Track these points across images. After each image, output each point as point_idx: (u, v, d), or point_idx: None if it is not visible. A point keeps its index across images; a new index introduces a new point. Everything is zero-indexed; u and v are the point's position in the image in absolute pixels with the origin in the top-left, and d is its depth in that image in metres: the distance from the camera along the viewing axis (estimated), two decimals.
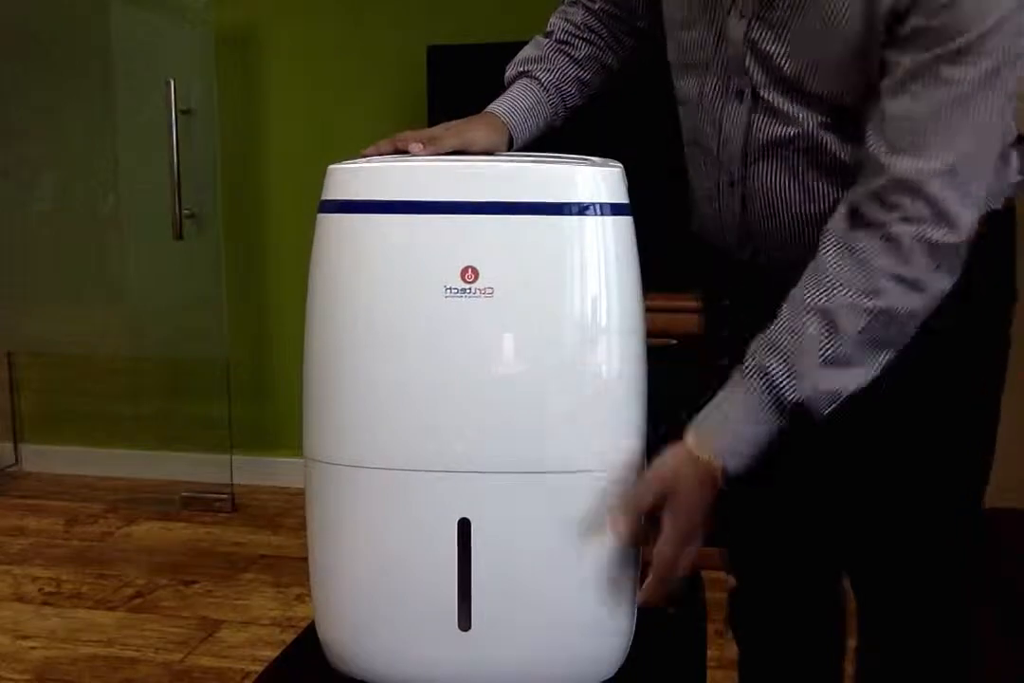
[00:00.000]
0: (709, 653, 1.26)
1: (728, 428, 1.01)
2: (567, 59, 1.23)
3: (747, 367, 1.01)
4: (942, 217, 0.94)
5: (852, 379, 0.99)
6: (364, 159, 1.07)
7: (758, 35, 1.03)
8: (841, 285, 0.97)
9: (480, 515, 1.01)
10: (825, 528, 1.28)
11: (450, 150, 1.09)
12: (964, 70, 0.90)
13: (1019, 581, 1.58)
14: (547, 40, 1.26)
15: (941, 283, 0.97)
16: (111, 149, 3.04)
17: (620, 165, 1.05)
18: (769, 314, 1.04)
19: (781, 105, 1.05)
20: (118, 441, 3.24)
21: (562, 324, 0.99)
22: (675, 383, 1.21)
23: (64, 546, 2.70)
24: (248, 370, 3.13)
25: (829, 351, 0.97)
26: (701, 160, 1.17)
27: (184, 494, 2.99)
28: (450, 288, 0.96)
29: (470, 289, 0.96)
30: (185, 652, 2.09)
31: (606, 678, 1.08)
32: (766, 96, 1.06)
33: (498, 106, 1.20)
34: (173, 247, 2.89)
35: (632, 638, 1.11)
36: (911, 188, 0.94)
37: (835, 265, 0.98)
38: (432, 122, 2.56)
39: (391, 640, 1.06)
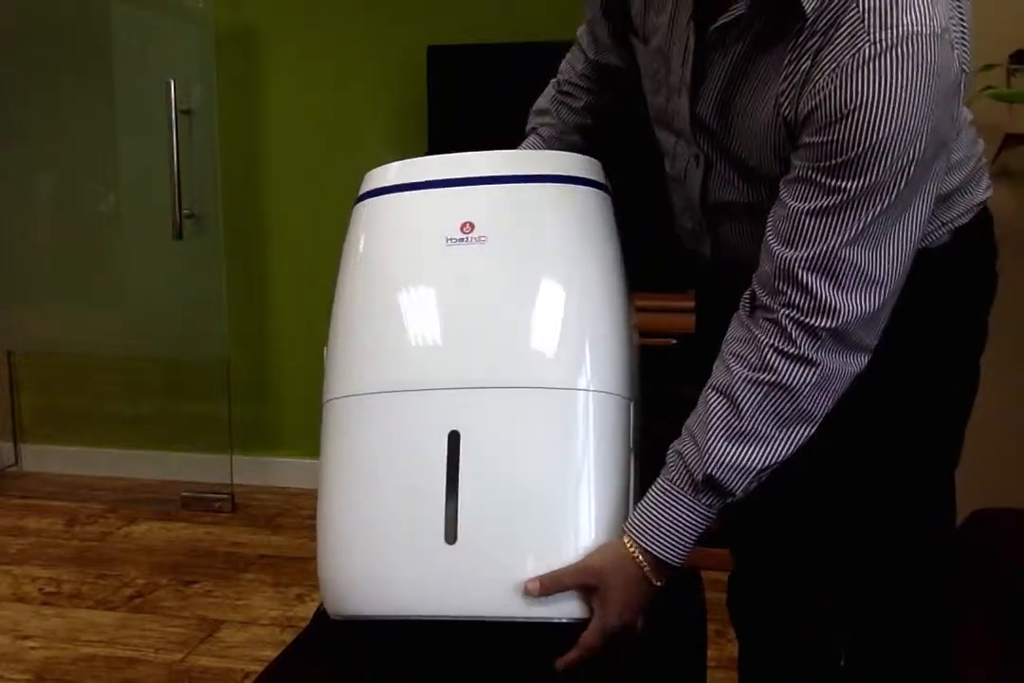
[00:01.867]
0: (709, 653, 1.27)
1: (654, 518, 1.03)
2: (568, 110, 1.36)
3: (668, 454, 1.06)
4: (817, 305, 0.98)
5: (763, 454, 1.01)
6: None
7: (702, 112, 1.09)
8: (737, 362, 1.02)
9: (470, 428, 1.06)
10: (808, 533, 1.29)
11: None
12: (842, 182, 0.95)
13: (1015, 582, 1.58)
14: (553, 91, 1.38)
15: (838, 360, 1.00)
16: (111, 149, 3.04)
17: (595, 160, 1.22)
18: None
19: (730, 177, 1.12)
20: (118, 441, 3.25)
21: (542, 263, 1.15)
22: (675, 383, 1.22)
23: (64, 546, 2.70)
24: (248, 370, 3.13)
25: (733, 426, 1.01)
26: (677, 202, 1.25)
27: (184, 494, 2.99)
28: (451, 238, 1.15)
29: (467, 238, 1.15)
30: (185, 652, 2.09)
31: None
32: (718, 166, 1.13)
33: None
34: (173, 247, 2.89)
35: None
36: (789, 276, 0.99)
37: (733, 343, 1.04)
38: (432, 121, 2.59)
39: (382, 564, 1.07)
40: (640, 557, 1.02)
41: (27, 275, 3.12)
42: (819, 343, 0.99)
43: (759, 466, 1.01)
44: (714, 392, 1.04)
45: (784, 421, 1.01)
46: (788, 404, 1.01)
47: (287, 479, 3.04)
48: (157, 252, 3.03)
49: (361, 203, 1.24)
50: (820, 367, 1.00)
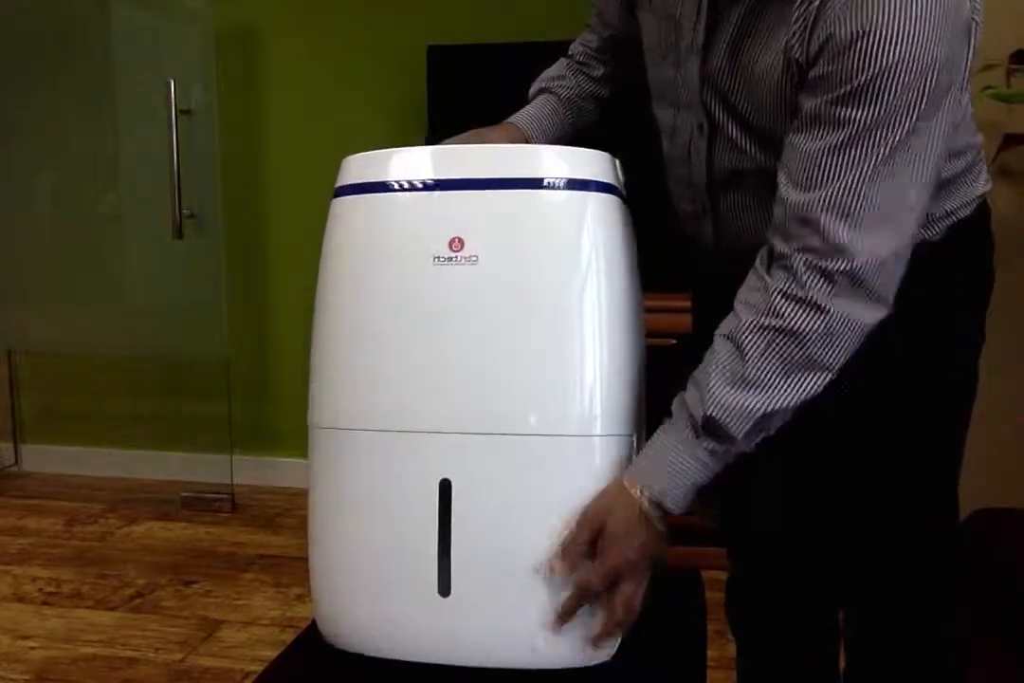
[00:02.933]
0: (709, 653, 1.27)
1: (654, 460, 1.02)
2: (585, 77, 1.32)
3: (673, 403, 1.05)
4: (833, 247, 0.96)
5: (765, 400, 0.99)
6: (373, 151, 1.13)
7: (713, 68, 1.07)
8: (746, 309, 1.01)
9: (461, 476, 1.02)
10: (809, 530, 1.28)
11: None
12: (853, 112, 0.93)
13: (1015, 581, 1.58)
14: (569, 60, 1.34)
15: (850, 308, 0.98)
16: (111, 149, 3.04)
17: (609, 155, 1.09)
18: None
19: (738, 140, 1.09)
20: (118, 441, 3.25)
21: (543, 290, 1.03)
22: (675, 383, 1.21)
23: (64, 546, 2.70)
24: (248, 370, 3.13)
25: (736, 371, 0.99)
26: (676, 186, 1.21)
27: (184, 494, 2.99)
28: (438, 257, 1.03)
29: (456, 257, 1.02)
30: (185, 652, 2.09)
31: (602, 660, 1.07)
32: (725, 130, 1.10)
33: (516, 116, 1.30)
34: (173, 247, 2.89)
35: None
36: (804, 219, 0.98)
37: (745, 292, 1.03)
38: (432, 121, 2.59)
39: (376, 608, 1.06)
40: (638, 493, 1.01)
41: (27, 275, 3.12)
42: (833, 288, 0.97)
43: (761, 411, 0.99)
44: (721, 338, 1.02)
45: (790, 368, 0.99)
46: (795, 351, 0.98)
47: (287, 479, 3.04)
48: (157, 252, 3.03)
49: (341, 200, 1.10)
50: (829, 315, 0.97)
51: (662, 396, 1.12)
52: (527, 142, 1.27)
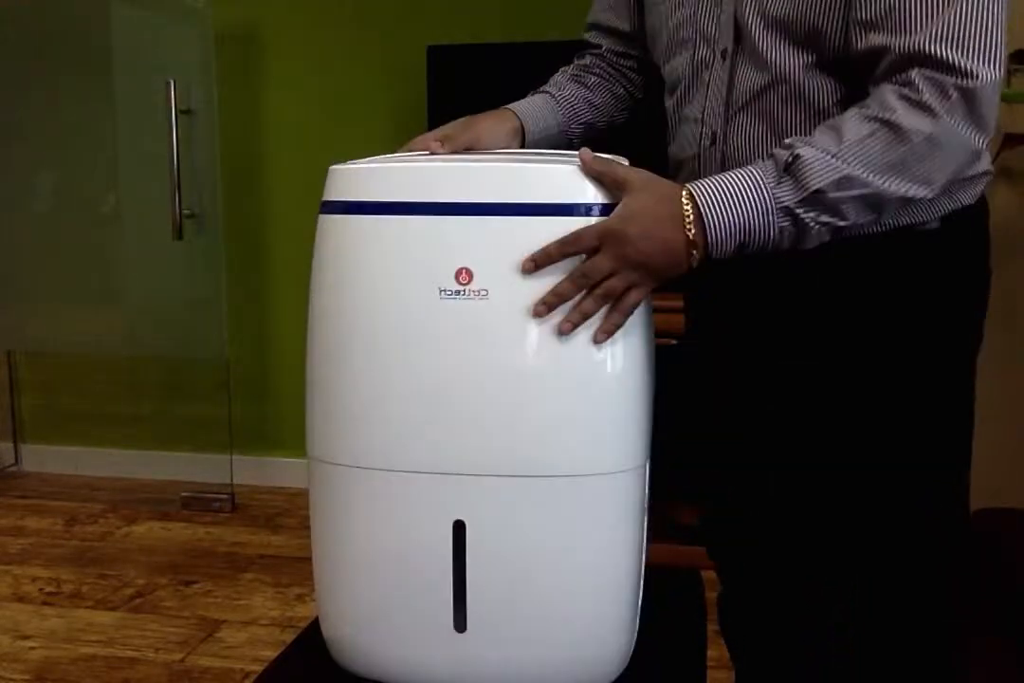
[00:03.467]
0: (709, 653, 1.27)
1: (718, 182, 0.98)
2: (578, 85, 1.33)
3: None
4: (951, 67, 0.95)
5: (851, 186, 0.96)
6: (365, 160, 1.07)
7: None
8: (855, 109, 0.99)
9: (475, 518, 1.01)
10: (806, 524, 1.23)
11: (463, 145, 1.15)
12: None
13: (1014, 581, 1.58)
14: (562, 74, 1.36)
15: (959, 124, 0.96)
16: (111, 149, 3.04)
17: (625, 161, 1.05)
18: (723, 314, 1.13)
19: (767, 51, 1.07)
20: (117, 441, 3.24)
21: (558, 328, 0.98)
22: (675, 385, 1.21)
23: (64, 546, 2.70)
24: (248, 370, 3.13)
25: (830, 149, 0.96)
26: (684, 129, 1.19)
27: (184, 494, 2.99)
28: (444, 290, 0.97)
29: (464, 291, 0.96)
30: (185, 652, 2.09)
31: (608, 680, 1.08)
32: (754, 43, 1.08)
33: (512, 104, 1.29)
34: (173, 247, 2.89)
35: (634, 639, 1.11)
36: (914, 58, 0.96)
37: (850, 110, 1.00)
38: (432, 121, 2.59)
39: (390, 639, 1.07)
40: (686, 199, 0.97)
41: (27, 275, 3.12)
42: (948, 102, 0.95)
43: (845, 172, 0.95)
44: (825, 128, 1.00)
45: (882, 164, 0.96)
46: (894, 147, 0.96)
47: (287, 479, 3.04)
48: (157, 252, 3.02)
49: (331, 218, 1.02)
50: (940, 121, 0.95)
51: (662, 398, 1.12)
52: (522, 127, 1.25)
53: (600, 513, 1.02)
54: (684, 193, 0.97)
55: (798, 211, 0.96)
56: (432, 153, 1.12)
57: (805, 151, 0.96)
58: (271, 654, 1.30)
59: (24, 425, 3.36)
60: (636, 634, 1.11)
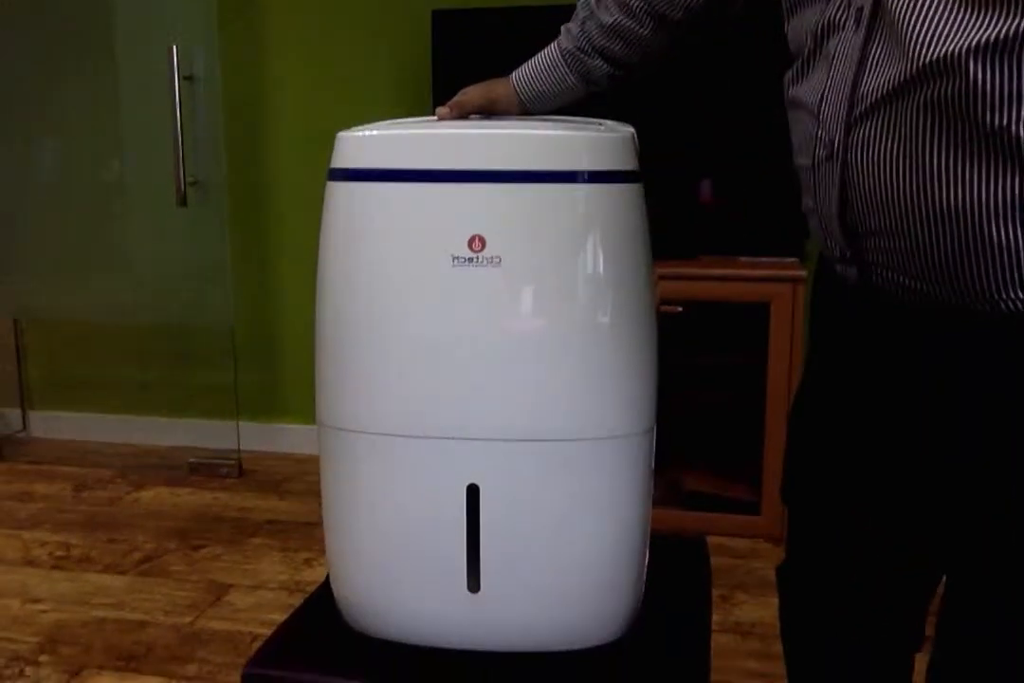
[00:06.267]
0: (714, 618, 1.28)
1: None
2: (596, 25, 1.15)
3: None
4: None
5: None
6: (373, 125, 1.07)
7: None
8: None
9: (488, 482, 1.02)
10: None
11: (475, 110, 1.13)
12: None
13: None
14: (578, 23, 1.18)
15: None
16: (114, 117, 3.02)
17: (631, 129, 1.04)
18: (869, 375, 0.94)
19: (912, 21, 0.75)
20: (125, 408, 3.26)
21: (569, 294, 0.99)
22: (680, 352, 1.21)
23: (73, 511, 2.72)
24: (254, 337, 3.13)
25: None
26: (801, 126, 0.94)
27: (191, 460, 3.01)
28: (457, 258, 0.97)
29: (477, 258, 0.97)
30: (194, 615, 2.12)
31: (614, 639, 1.10)
32: (894, 8, 0.77)
33: (517, 70, 1.19)
34: (177, 214, 2.88)
35: (641, 600, 1.12)
36: None
37: None
38: (436, 87, 2.57)
39: (403, 601, 1.08)
40: None
41: (32, 243, 3.12)
42: None
43: None
44: None
45: None
46: None
47: (294, 445, 3.05)
48: (161, 219, 3.02)
49: (339, 186, 1.02)
50: None
51: (667, 364, 1.12)
52: (521, 105, 1.17)
53: (609, 476, 1.04)
54: None
55: None
56: (440, 119, 1.11)
57: None
58: (279, 617, 1.31)
59: (31, 392, 3.37)
60: (643, 595, 1.12)
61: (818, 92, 0.88)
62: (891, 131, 0.80)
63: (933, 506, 1.00)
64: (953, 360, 0.88)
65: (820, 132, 0.88)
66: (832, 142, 0.86)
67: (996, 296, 0.81)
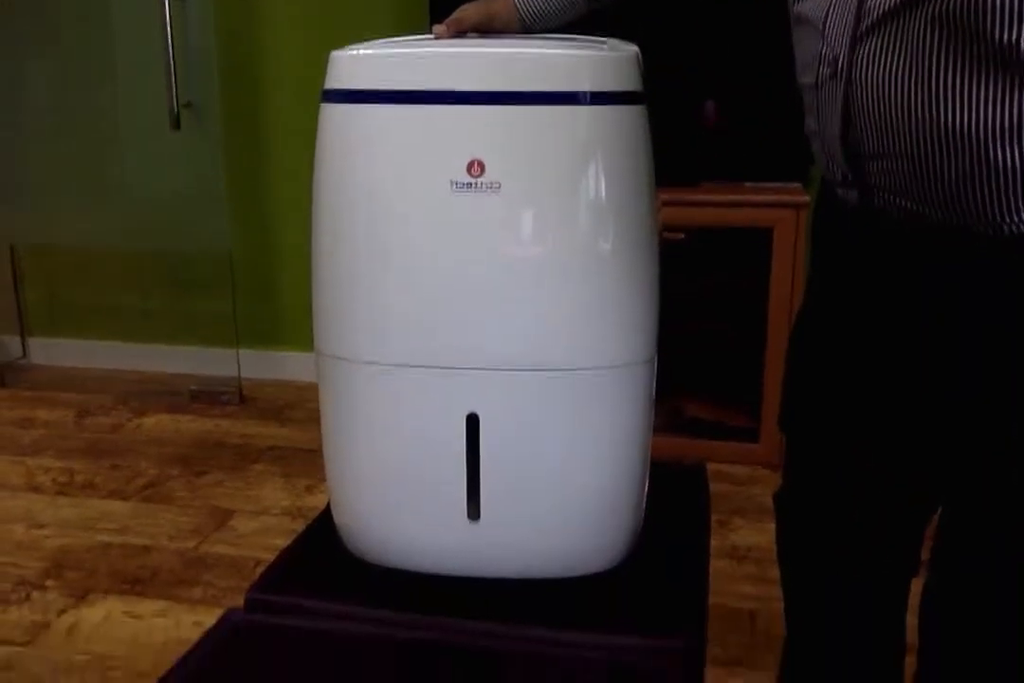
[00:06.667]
0: (712, 542, 1.29)
1: None
2: None
3: None
4: None
5: None
6: (367, 44, 1.03)
7: None
8: None
9: (488, 411, 1.01)
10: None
11: (473, 27, 1.08)
12: None
13: None
14: None
15: None
16: (105, 37, 2.95)
17: (635, 48, 1.01)
18: (871, 300, 0.92)
19: None
20: (124, 335, 3.25)
21: (570, 220, 0.97)
22: (682, 278, 1.19)
23: (75, 438, 2.73)
24: (252, 263, 3.11)
25: None
26: (800, 36, 0.92)
27: (192, 387, 3.01)
28: (456, 183, 0.95)
29: (476, 183, 0.94)
30: (198, 540, 2.14)
31: (614, 565, 1.11)
32: None
33: None
34: (171, 138, 2.83)
35: (641, 527, 1.13)
36: None
37: None
38: (434, 4, 2.49)
39: (404, 529, 1.09)
40: None
41: (25, 169, 3.07)
42: None
43: None
44: None
45: None
46: None
47: (294, 372, 3.05)
48: (155, 143, 2.97)
49: (334, 108, 0.99)
50: None
51: (669, 291, 1.11)
52: (521, 22, 1.12)
53: (610, 406, 1.04)
54: None
55: None
56: (437, 38, 1.07)
57: None
58: (282, 543, 1.32)
59: (30, 319, 3.36)
60: (642, 521, 1.13)
61: (824, 7, 0.85)
62: (897, 47, 0.77)
63: (931, 434, 1.00)
64: (953, 285, 0.88)
65: (824, 49, 0.85)
66: (836, 59, 0.84)
67: (999, 219, 0.80)
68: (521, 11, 1.12)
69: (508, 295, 0.98)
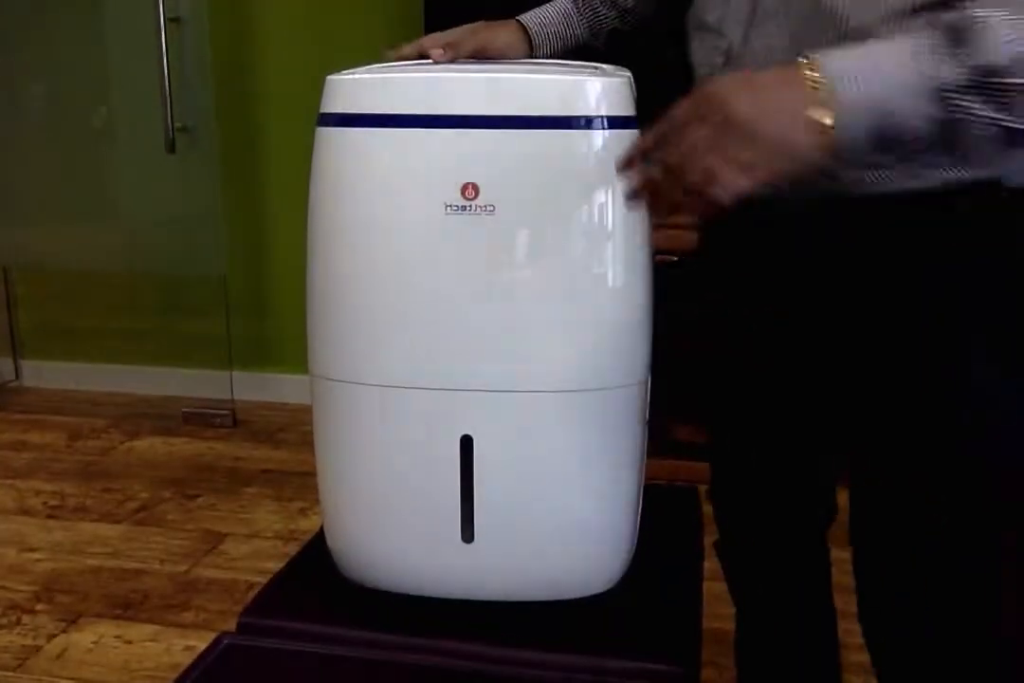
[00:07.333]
0: (705, 565, 1.29)
1: (861, 52, 0.77)
2: None
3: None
4: None
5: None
6: (364, 68, 1.04)
7: None
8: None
9: (482, 433, 1.02)
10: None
11: (469, 54, 1.09)
12: None
13: None
14: None
15: None
16: (100, 61, 2.96)
17: (628, 74, 1.02)
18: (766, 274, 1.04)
19: None
20: (118, 357, 3.25)
21: (564, 243, 0.98)
22: (674, 303, 1.20)
23: (67, 460, 2.72)
24: (246, 285, 3.11)
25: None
26: (700, 41, 1.01)
27: (185, 410, 3.01)
28: (450, 205, 0.95)
29: (471, 206, 0.95)
30: (190, 564, 2.13)
31: (607, 588, 1.10)
32: None
33: (524, 14, 1.18)
34: (166, 161, 2.84)
35: (634, 549, 1.13)
36: None
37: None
38: (428, 26, 2.52)
39: (397, 551, 1.09)
40: (807, 62, 0.76)
41: (20, 192, 3.07)
42: None
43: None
44: None
45: None
46: None
47: (287, 395, 3.05)
48: (150, 166, 2.97)
49: (329, 132, 1.00)
50: None
51: (662, 315, 1.11)
52: (530, 47, 1.15)
53: (603, 427, 1.04)
54: (801, 59, 0.76)
55: (956, 97, 0.73)
56: (435, 62, 1.08)
57: (986, 12, 0.72)
58: (274, 566, 1.32)
59: (23, 341, 3.36)
60: (635, 544, 1.13)
61: (721, 7, 0.96)
62: (782, 28, 0.89)
63: (830, 394, 1.07)
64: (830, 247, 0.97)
65: (720, 40, 0.96)
66: (731, 46, 0.95)
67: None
68: (534, 38, 1.15)
69: (501, 317, 0.99)
